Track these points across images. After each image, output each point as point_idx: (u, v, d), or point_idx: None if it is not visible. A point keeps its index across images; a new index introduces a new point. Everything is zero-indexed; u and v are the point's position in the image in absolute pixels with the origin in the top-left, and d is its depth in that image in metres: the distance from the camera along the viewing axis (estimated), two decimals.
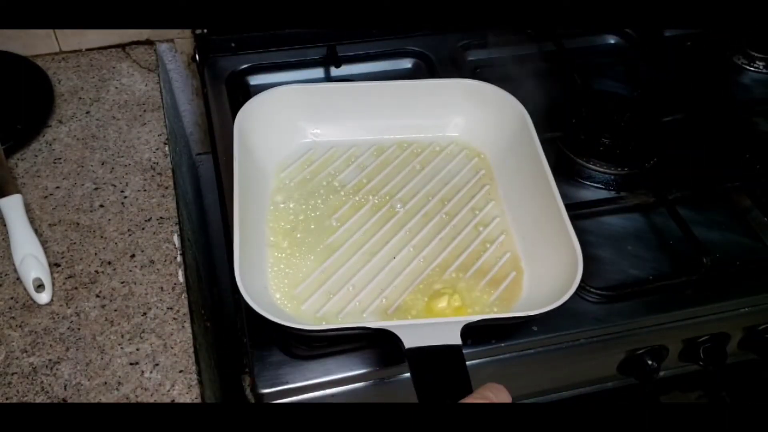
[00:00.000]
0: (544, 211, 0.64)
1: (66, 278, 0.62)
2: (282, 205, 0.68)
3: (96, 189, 0.70)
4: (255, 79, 0.87)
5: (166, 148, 0.75)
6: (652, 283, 0.66)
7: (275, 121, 0.72)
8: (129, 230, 0.67)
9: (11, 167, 0.71)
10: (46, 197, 0.69)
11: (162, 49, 0.89)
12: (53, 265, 0.63)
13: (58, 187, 0.70)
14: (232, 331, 0.63)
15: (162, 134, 0.76)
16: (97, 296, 0.61)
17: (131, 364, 0.57)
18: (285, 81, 0.76)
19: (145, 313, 0.60)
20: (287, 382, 0.57)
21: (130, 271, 0.63)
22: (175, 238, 0.66)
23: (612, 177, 0.75)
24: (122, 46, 0.87)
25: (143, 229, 0.67)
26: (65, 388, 0.55)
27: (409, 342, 0.52)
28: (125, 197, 0.69)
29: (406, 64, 0.91)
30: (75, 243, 0.65)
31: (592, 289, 0.64)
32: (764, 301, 0.68)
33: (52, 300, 0.60)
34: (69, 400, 0.54)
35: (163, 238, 0.66)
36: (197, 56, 0.87)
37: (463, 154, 0.75)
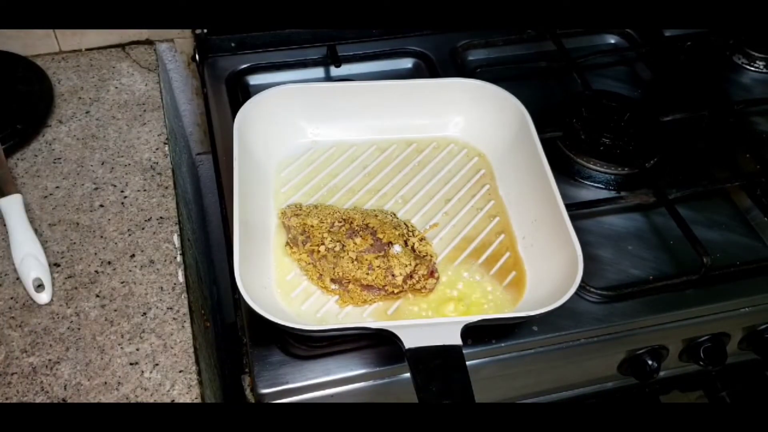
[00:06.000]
0: (545, 211, 0.64)
1: (66, 278, 0.62)
2: (282, 205, 0.68)
3: (96, 189, 0.70)
4: (255, 79, 0.87)
5: (166, 148, 0.75)
6: (652, 283, 0.66)
7: (275, 121, 0.72)
8: (129, 230, 0.67)
9: (11, 167, 0.71)
10: (46, 197, 0.69)
11: (162, 49, 0.89)
12: (53, 265, 0.63)
13: (58, 187, 0.70)
14: (232, 331, 0.63)
15: (162, 134, 0.76)
16: (97, 296, 0.61)
17: (131, 364, 0.57)
18: (285, 81, 0.76)
19: (145, 313, 0.60)
20: (287, 382, 0.57)
21: (130, 271, 0.63)
22: (175, 238, 0.66)
23: (612, 177, 0.75)
24: (122, 46, 0.87)
25: (143, 229, 0.67)
26: (65, 388, 0.55)
27: (409, 342, 0.52)
28: (125, 197, 0.69)
29: (406, 64, 0.91)
30: (75, 243, 0.65)
31: (592, 289, 0.64)
32: (764, 301, 0.68)
33: (52, 300, 0.60)
34: (69, 400, 0.54)
35: (163, 238, 0.66)
36: (197, 56, 0.87)
37: (464, 154, 0.75)
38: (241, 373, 0.60)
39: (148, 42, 0.88)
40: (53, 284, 0.61)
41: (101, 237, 0.66)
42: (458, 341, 0.52)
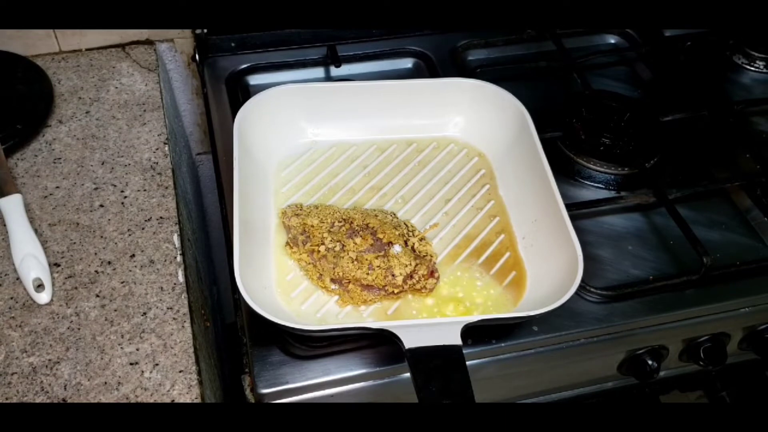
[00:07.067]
0: (545, 211, 0.64)
1: (66, 278, 0.62)
2: (282, 205, 0.68)
3: (96, 189, 0.70)
4: (255, 79, 0.87)
5: (166, 148, 0.75)
6: (652, 283, 0.66)
7: (275, 121, 0.72)
8: (129, 230, 0.67)
9: (11, 167, 0.71)
10: (46, 197, 0.69)
11: (162, 49, 0.89)
12: (53, 265, 0.63)
13: (58, 187, 0.70)
14: (232, 331, 0.63)
15: (162, 134, 0.76)
16: (97, 296, 0.61)
17: (131, 364, 0.57)
18: (285, 81, 0.76)
19: (145, 313, 0.60)
20: (287, 382, 0.57)
21: (130, 271, 0.63)
22: (175, 238, 0.66)
23: (612, 177, 0.75)
24: (122, 46, 0.87)
25: (143, 229, 0.67)
26: (65, 388, 0.55)
27: (409, 342, 0.52)
28: (125, 197, 0.69)
29: (406, 64, 0.91)
30: (75, 243, 0.65)
31: (592, 289, 0.64)
32: (764, 301, 0.68)
33: (51, 300, 0.60)
34: (69, 400, 0.54)
35: (163, 238, 0.66)
36: (197, 56, 0.87)
37: (464, 154, 0.75)
38: (241, 373, 0.60)
39: (148, 42, 0.88)
40: (53, 284, 0.61)
41: (101, 237, 0.66)
42: (458, 341, 0.52)
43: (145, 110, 0.79)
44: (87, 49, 0.86)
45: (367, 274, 0.60)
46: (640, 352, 0.69)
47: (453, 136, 0.76)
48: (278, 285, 0.62)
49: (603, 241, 0.70)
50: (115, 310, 0.60)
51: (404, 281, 0.60)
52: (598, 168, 0.75)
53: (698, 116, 0.83)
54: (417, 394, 0.49)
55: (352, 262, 0.60)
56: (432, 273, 0.61)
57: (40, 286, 0.60)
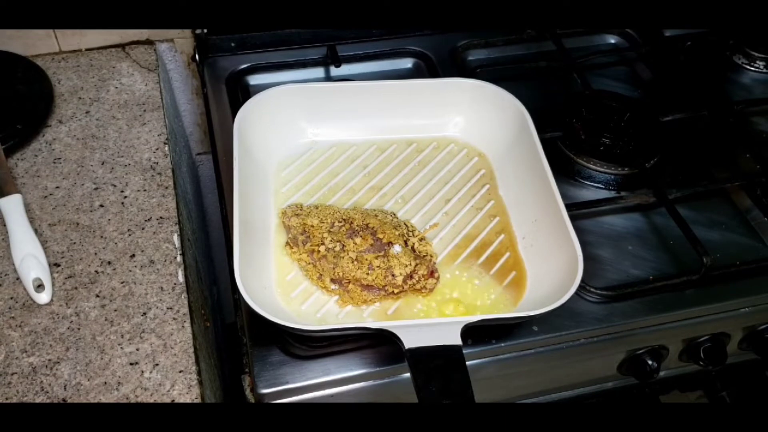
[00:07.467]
0: (545, 211, 0.64)
1: (66, 278, 0.62)
2: (282, 205, 0.68)
3: (96, 189, 0.70)
4: (255, 79, 0.87)
5: (166, 148, 0.75)
6: (652, 283, 0.66)
7: (275, 121, 0.72)
8: (129, 230, 0.67)
9: (11, 167, 0.71)
10: (46, 197, 0.69)
11: (162, 49, 0.89)
12: (53, 265, 0.63)
13: (58, 187, 0.70)
14: (232, 331, 0.63)
15: (162, 134, 0.76)
16: (97, 296, 0.61)
17: (131, 364, 0.57)
18: (285, 81, 0.76)
19: (145, 313, 0.60)
20: (287, 382, 0.57)
21: (130, 271, 0.63)
22: (175, 238, 0.66)
23: (612, 177, 0.75)
24: (122, 46, 0.87)
25: (143, 229, 0.67)
26: (65, 388, 0.55)
27: (409, 342, 0.52)
28: (125, 197, 0.69)
29: (406, 64, 0.91)
30: (75, 243, 0.65)
31: (592, 289, 0.64)
32: (764, 301, 0.68)
33: (51, 300, 0.60)
34: (69, 400, 0.54)
35: (163, 238, 0.66)
36: (197, 56, 0.87)
37: (464, 154, 0.75)
38: (241, 373, 0.60)
39: (148, 42, 0.88)
40: (53, 284, 0.61)
41: (101, 237, 0.66)
42: (458, 341, 0.52)
43: (145, 110, 0.79)
44: (87, 49, 0.86)
45: (367, 274, 0.60)
46: (640, 352, 0.69)
47: (453, 136, 0.76)
48: (278, 285, 0.62)
49: (603, 241, 0.70)
50: (115, 310, 0.60)
51: (404, 281, 0.60)
52: (598, 168, 0.75)
53: (698, 116, 0.83)
54: (417, 394, 0.49)
55: (352, 262, 0.60)
56: (432, 273, 0.61)
57: (40, 286, 0.60)
